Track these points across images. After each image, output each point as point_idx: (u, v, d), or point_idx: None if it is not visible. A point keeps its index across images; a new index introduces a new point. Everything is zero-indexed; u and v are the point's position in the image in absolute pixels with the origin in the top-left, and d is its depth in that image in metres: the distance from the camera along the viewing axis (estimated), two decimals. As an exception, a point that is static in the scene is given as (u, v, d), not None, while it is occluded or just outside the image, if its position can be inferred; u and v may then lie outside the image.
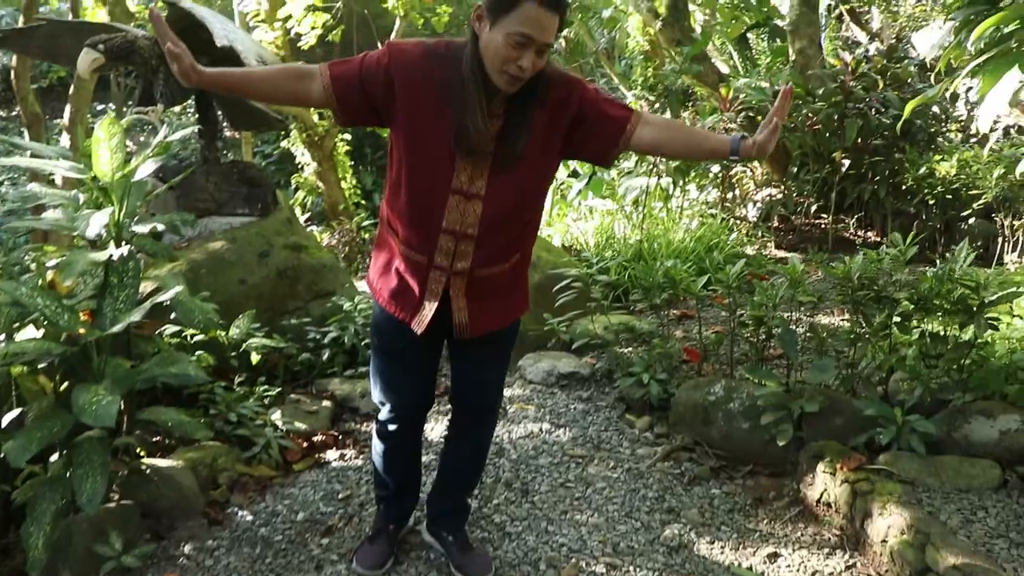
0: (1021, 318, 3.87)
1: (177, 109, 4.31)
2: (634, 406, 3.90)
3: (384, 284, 2.47)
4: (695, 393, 3.64)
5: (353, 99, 2.24)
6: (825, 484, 3.07)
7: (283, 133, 11.54)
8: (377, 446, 2.74)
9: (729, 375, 3.82)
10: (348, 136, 11.29)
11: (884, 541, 2.71)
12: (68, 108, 7.09)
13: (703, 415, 3.56)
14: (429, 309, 2.39)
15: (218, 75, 2.19)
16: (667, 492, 3.24)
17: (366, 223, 9.91)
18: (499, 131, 2.23)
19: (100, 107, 14.71)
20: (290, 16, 9.19)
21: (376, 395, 2.66)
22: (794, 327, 3.88)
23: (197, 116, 4.77)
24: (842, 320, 4.53)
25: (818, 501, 3.08)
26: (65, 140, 7.04)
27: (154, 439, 3.57)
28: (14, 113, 14.01)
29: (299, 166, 11.26)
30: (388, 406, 2.65)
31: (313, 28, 9.58)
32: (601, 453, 3.54)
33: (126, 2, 7.85)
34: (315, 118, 10.33)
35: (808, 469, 3.18)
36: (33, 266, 3.46)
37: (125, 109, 14.15)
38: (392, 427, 2.68)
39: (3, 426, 3.04)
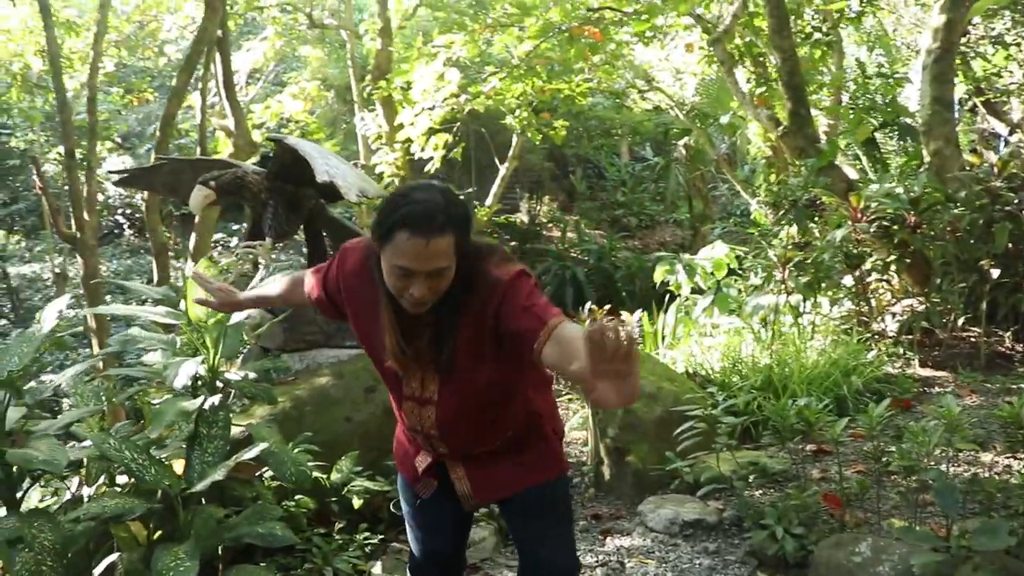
0: None
1: (268, 243, 4.29)
2: (767, 562, 3.48)
3: (397, 445, 2.48)
4: (837, 552, 3.21)
5: (327, 304, 2.34)
6: (1003, 673, 2.60)
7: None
8: None
9: (876, 528, 3.38)
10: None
11: None
12: (192, 236, 7.32)
13: (849, 578, 3.13)
14: (426, 480, 2.33)
15: (253, 299, 2.65)
16: (810, 674, 2.82)
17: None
18: (431, 338, 2.08)
19: (236, 227, 15.34)
20: (409, 139, 9.37)
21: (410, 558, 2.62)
22: (950, 469, 3.43)
23: (307, 247, 4.77)
24: (1008, 459, 4.01)
25: None
26: (190, 267, 7.24)
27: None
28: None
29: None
30: (410, 564, 2.59)
31: (436, 150, 9.75)
32: (732, 620, 3.15)
33: (249, 134, 8.13)
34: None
35: (980, 653, 2.71)
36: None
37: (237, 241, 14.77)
38: None
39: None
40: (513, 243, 13.70)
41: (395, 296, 2.00)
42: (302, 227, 4.68)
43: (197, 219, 7.31)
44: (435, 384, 2.14)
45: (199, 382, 3.08)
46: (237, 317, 3.10)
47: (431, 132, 9.71)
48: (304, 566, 3.34)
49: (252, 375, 3.14)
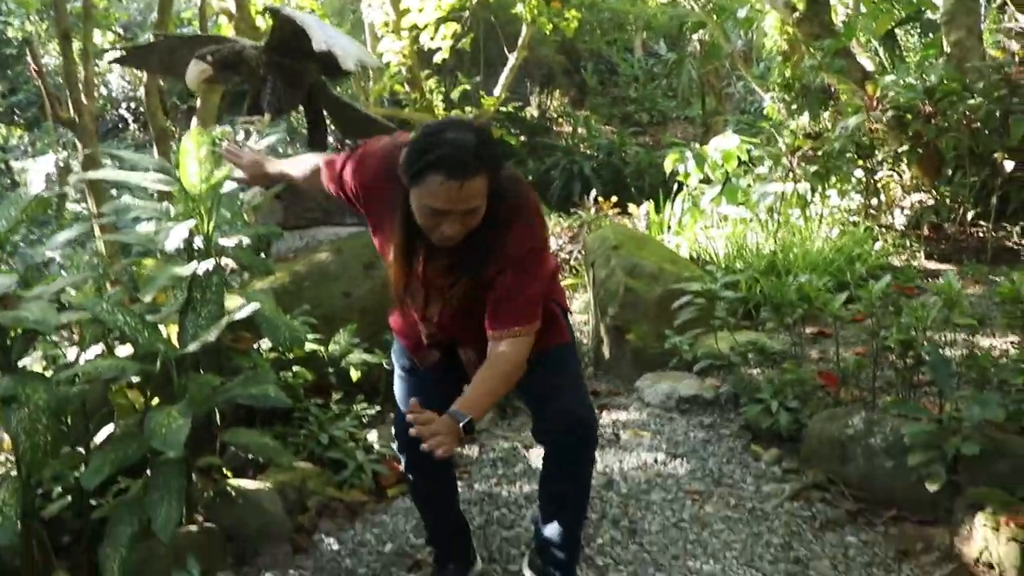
0: None
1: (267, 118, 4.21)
2: (761, 436, 3.51)
3: (395, 318, 2.47)
4: (830, 425, 3.23)
5: (343, 201, 2.36)
6: (986, 540, 2.62)
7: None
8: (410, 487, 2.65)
9: (871, 405, 3.39)
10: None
11: (1063, 615, 2.26)
12: (194, 121, 7.21)
13: (839, 450, 3.15)
14: (428, 352, 2.37)
15: (279, 173, 2.69)
16: (794, 538, 2.86)
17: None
18: (445, 269, 2.13)
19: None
20: (415, 26, 9.15)
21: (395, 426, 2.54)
22: (948, 351, 3.41)
23: (307, 125, 4.69)
24: (1007, 343, 3.99)
25: (977, 560, 2.63)
26: (188, 138, 7.15)
27: (249, 456, 3.43)
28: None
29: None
30: (399, 438, 2.49)
31: (444, 39, 9.54)
32: (721, 489, 3.18)
33: (252, 17, 7.93)
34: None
35: (964, 520, 2.73)
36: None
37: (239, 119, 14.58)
38: (408, 461, 2.50)
39: (98, 442, 2.96)
40: (523, 137, 13.52)
41: (425, 231, 2.02)
42: (303, 107, 4.61)
43: (199, 104, 7.20)
44: (437, 307, 2.20)
45: (194, 250, 3.05)
46: (231, 185, 3.05)
47: (440, 22, 9.49)
48: (301, 432, 3.37)
49: (246, 240, 3.11)
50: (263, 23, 8.70)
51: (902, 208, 6.96)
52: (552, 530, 2.42)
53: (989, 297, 4.82)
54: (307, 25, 3.84)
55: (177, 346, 2.76)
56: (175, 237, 2.80)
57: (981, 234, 6.65)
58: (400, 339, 2.49)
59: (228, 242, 3.03)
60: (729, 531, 2.90)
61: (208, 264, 2.88)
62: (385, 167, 2.11)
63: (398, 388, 2.54)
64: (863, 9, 10.64)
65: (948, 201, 6.52)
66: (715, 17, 12.50)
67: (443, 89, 11.17)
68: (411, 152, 1.96)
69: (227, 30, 8.37)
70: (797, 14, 7.44)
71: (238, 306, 3.17)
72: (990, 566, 2.58)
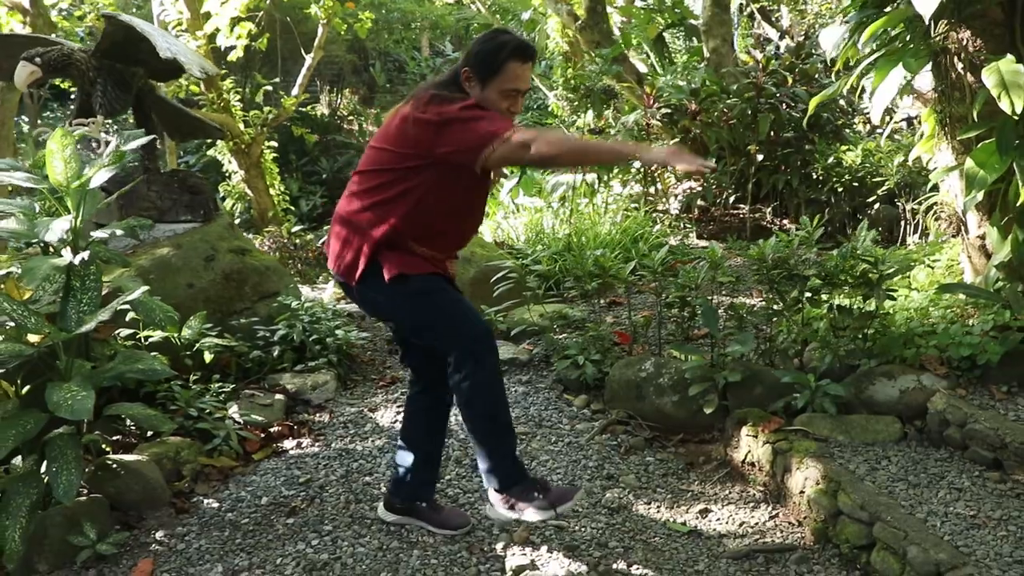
0: (918, 291, 4.25)
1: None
2: (571, 386, 4.16)
3: (430, 264, 2.67)
4: (627, 371, 3.92)
5: None
6: (749, 446, 3.37)
7: (209, 142, 11.56)
8: (496, 385, 2.67)
9: (658, 353, 4.11)
10: (275, 143, 11.36)
11: (802, 492, 3.02)
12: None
13: (636, 391, 3.84)
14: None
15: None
16: (606, 461, 3.51)
17: (296, 228, 10.01)
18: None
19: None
20: (217, 29, 9.28)
21: (472, 332, 2.61)
22: (715, 307, 4.19)
23: (136, 127, 4.88)
24: (760, 301, 4.86)
25: (743, 462, 3.38)
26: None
27: (115, 437, 3.68)
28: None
29: (226, 174, 11.30)
30: (485, 329, 2.64)
31: (239, 39, 9.71)
32: (543, 430, 3.80)
33: (48, 14, 7.82)
34: (241, 126, 10.40)
35: (733, 434, 3.48)
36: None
37: (39, 121, 13.97)
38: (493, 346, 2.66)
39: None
40: (315, 136, 13.77)
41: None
42: (132, 109, 4.80)
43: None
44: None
45: (61, 243, 3.27)
46: (97, 182, 3.30)
47: (235, 21, 9.65)
48: (169, 409, 3.67)
49: (119, 232, 3.38)
50: (56, 16, 8.55)
51: (676, 195, 7.93)
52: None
53: (747, 266, 5.74)
54: (148, 34, 4.09)
55: (60, 331, 3.02)
56: (57, 230, 3.04)
57: (741, 215, 7.72)
58: (431, 272, 2.66)
59: (102, 235, 3.29)
60: (553, 460, 3.51)
61: (85, 255, 3.15)
62: None
63: (450, 300, 2.67)
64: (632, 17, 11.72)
65: (713, 188, 7.52)
66: (500, 19, 13.28)
67: (239, 89, 11.26)
68: (487, 54, 2.57)
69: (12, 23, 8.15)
70: (579, 23, 8.25)
71: (112, 290, 3.44)
72: (752, 465, 3.34)
